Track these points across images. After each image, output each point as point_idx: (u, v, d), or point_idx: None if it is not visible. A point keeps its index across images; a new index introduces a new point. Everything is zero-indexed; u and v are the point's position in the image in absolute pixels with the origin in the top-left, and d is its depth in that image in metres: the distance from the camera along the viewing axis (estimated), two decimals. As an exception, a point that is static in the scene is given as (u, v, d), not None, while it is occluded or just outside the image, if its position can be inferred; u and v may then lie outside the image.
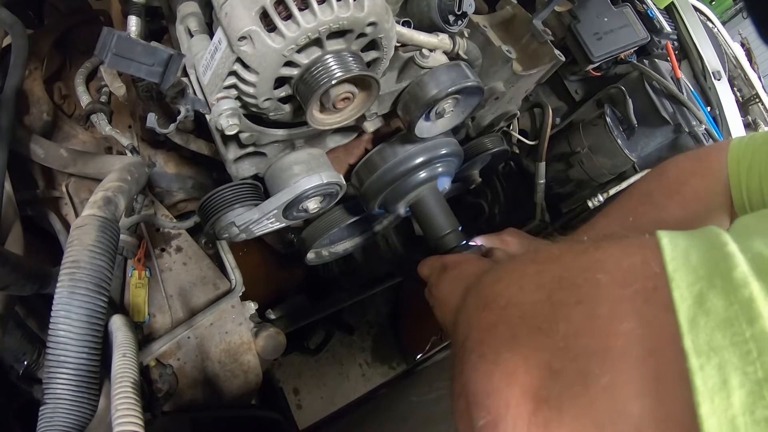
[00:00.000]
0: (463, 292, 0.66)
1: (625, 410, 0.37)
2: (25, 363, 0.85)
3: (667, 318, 0.37)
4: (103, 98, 1.24)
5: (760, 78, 1.87)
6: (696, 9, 1.73)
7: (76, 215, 1.16)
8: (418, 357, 2.59)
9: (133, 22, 0.90)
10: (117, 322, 0.88)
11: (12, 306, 0.90)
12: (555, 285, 0.47)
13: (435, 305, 0.90)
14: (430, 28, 0.97)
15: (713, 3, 5.63)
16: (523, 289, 0.50)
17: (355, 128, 1.10)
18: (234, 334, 1.26)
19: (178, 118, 0.85)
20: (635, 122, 1.47)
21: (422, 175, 1.12)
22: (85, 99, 1.23)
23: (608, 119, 1.49)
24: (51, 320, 0.70)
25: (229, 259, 1.33)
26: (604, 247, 0.47)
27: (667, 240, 0.41)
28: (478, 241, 1.06)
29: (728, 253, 0.38)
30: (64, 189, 1.18)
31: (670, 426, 0.35)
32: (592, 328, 0.41)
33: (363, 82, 0.84)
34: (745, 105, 1.74)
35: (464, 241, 1.08)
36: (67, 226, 1.14)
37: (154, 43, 0.78)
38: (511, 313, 0.49)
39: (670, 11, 1.65)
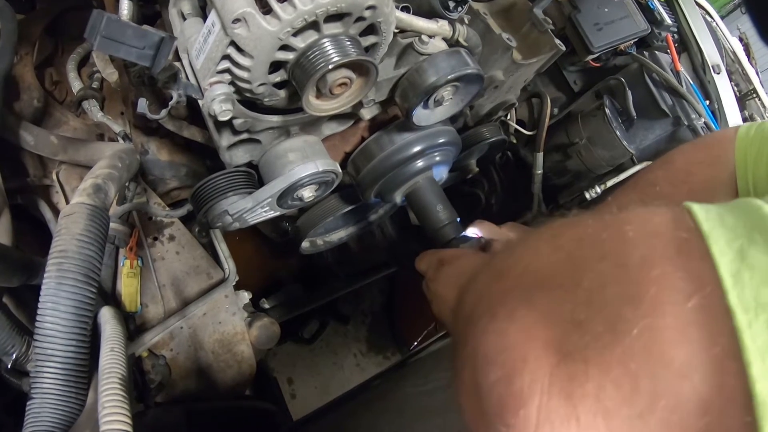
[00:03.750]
0: (459, 288, 0.64)
1: (664, 357, 0.34)
2: (14, 355, 0.83)
3: (703, 265, 0.35)
4: (95, 84, 1.22)
5: (757, 73, 1.87)
6: (696, 2, 1.71)
7: (67, 203, 1.14)
8: (413, 346, 2.60)
9: (125, 6, 0.87)
10: (106, 315, 0.87)
11: (0, 297, 0.88)
12: (574, 245, 0.44)
13: (432, 300, 0.88)
14: (430, 14, 0.95)
15: (711, -4, 5.62)
16: (539, 254, 0.47)
17: (351, 115, 1.09)
18: (227, 324, 1.25)
19: (170, 103, 0.83)
20: (634, 114, 1.46)
21: (419, 163, 1.10)
22: (76, 85, 1.20)
23: (607, 111, 1.48)
24: (38, 312, 0.69)
25: (222, 248, 1.31)
26: (629, 209, 0.44)
27: (697, 206, 0.39)
28: (476, 229, 1.04)
29: (766, 213, 0.36)
30: (54, 177, 1.16)
31: (717, 370, 0.33)
32: (621, 277, 0.38)
33: (361, 68, 0.82)
34: (742, 100, 1.73)
35: (462, 233, 1.07)
36: (57, 215, 1.12)
37: (145, 26, 0.76)
38: (527, 279, 0.46)
39: (671, 3, 1.63)
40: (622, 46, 1.52)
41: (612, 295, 0.38)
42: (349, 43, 0.78)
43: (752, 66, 1.88)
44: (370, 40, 0.84)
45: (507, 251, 0.54)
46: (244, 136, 0.95)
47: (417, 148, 1.08)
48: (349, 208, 1.25)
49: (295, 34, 0.75)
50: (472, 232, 1.06)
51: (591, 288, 0.39)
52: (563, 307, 0.40)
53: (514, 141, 1.64)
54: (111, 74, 1.20)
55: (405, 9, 0.92)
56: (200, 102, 0.84)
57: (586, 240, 0.44)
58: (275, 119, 0.94)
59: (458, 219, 1.11)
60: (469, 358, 0.47)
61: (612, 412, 0.36)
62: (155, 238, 1.23)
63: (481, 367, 0.44)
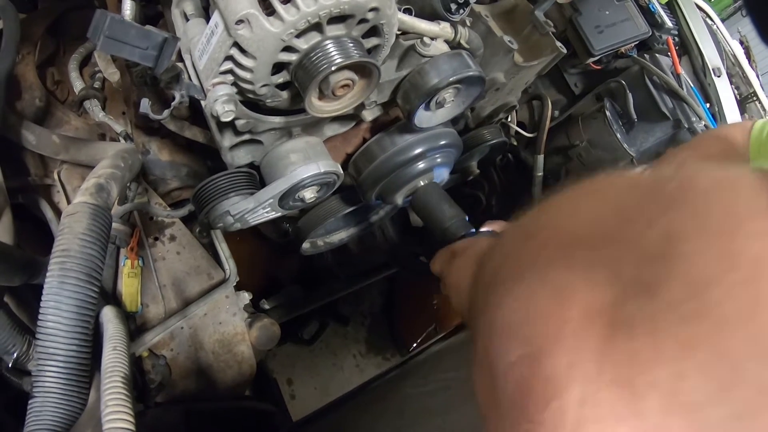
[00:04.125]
0: (476, 264, 0.54)
1: None
2: (15, 355, 0.83)
3: None
4: (97, 84, 1.21)
5: (758, 76, 1.87)
6: (696, 5, 1.72)
7: (68, 203, 1.14)
8: (412, 348, 2.60)
9: (128, 6, 0.88)
10: (108, 314, 0.87)
11: (1, 296, 0.88)
12: (626, 197, 0.35)
13: (450, 294, 0.79)
14: (432, 16, 0.95)
15: (712, 0, 5.62)
16: (577, 210, 0.38)
17: (353, 117, 1.09)
18: (228, 325, 1.25)
19: (173, 104, 0.83)
20: (635, 117, 1.46)
21: (421, 165, 1.10)
22: (78, 85, 1.20)
23: (608, 113, 1.49)
24: (40, 311, 0.69)
25: (223, 249, 1.32)
26: (692, 165, 0.34)
27: None
28: (487, 228, 1.01)
29: None
30: (55, 176, 1.16)
31: None
32: (702, 229, 0.28)
33: (363, 70, 0.82)
34: (742, 103, 1.74)
35: (472, 229, 1.04)
36: (59, 214, 1.12)
37: (148, 27, 0.76)
38: (564, 237, 0.36)
39: (672, 6, 1.64)
40: (622, 49, 1.52)
41: (692, 250, 0.28)
42: (351, 44, 0.79)
43: (752, 69, 1.88)
44: (373, 42, 0.85)
45: (535, 212, 0.43)
46: (246, 136, 0.96)
47: (418, 150, 1.08)
48: (350, 209, 1.25)
49: (298, 36, 0.75)
50: (483, 229, 1.02)
51: (658, 239, 0.29)
52: (617, 265, 0.30)
53: (515, 143, 1.65)
54: (113, 74, 1.20)
55: (407, 11, 0.93)
56: (203, 103, 0.84)
57: (642, 191, 0.34)
58: (277, 120, 0.94)
59: (467, 217, 1.09)
60: (483, 329, 0.37)
61: (696, 411, 0.26)
62: (156, 238, 1.23)
63: (498, 342, 0.34)
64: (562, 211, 0.40)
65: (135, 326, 1.14)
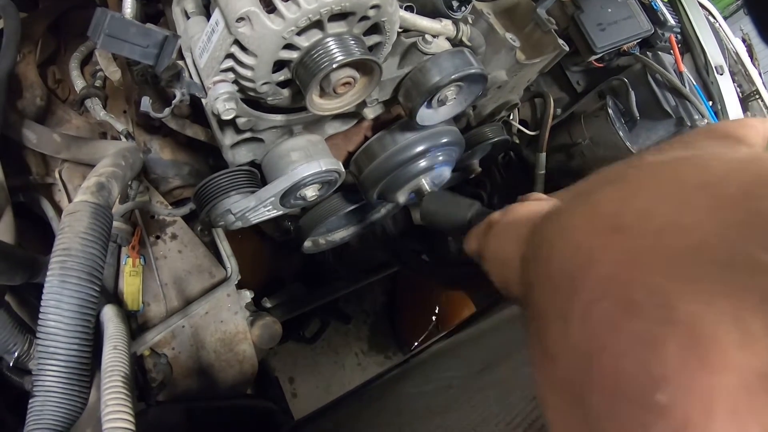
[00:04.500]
0: (528, 230, 0.45)
1: None
2: (16, 354, 0.83)
3: None
4: (98, 83, 1.22)
5: (760, 74, 1.86)
6: (699, 3, 1.71)
7: (70, 201, 1.14)
8: (414, 346, 2.60)
9: (128, 4, 0.87)
10: (108, 313, 0.87)
11: (2, 295, 0.88)
12: (756, 199, 0.25)
13: (490, 269, 0.66)
14: (433, 14, 0.95)
15: (714, -4, 5.60)
16: (689, 205, 0.28)
17: (354, 115, 1.08)
18: (229, 323, 1.25)
19: (173, 102, 0.83)
20: (637, 115, 1.46)
21: (422, 163, 1.10)
22: (79, 83, 1.20)
23: (610, 111, 1.48)
24: (41, 310, 0.68)
25: (224, 247, 1.32)
26: None
27: None
28: None
29: None
30: (57, 175, 1.16)
31: None
32: None
33: (365, 67, 0.82)
34: (745, 101, 1.73)
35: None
36: (60, 213, 1.12)
37: (149, 25, 0.76)
38: (675, 243, 0.26)
39: (674, 4, 1.63)
40: (625, 47, 1.51)
41: None
42: (353, 42, 0.78)
43: (755, 67, 1.88)
44: (374, 39, 0.84)
45: (613, 190, 0.33)
46: (247, 135, 0.95)
47: (420, 148, 1.08)
48: (352, 207, 1.24)
49: (299, 33, 0.74)
50: None
51: None
52: None
53: (517, 141, 1.64)
54: (114, 73, 1.20)
55: (409, 8, 0.92)
56: (203, 100, 0.83)
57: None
58: (278, 118, 0.94)
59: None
60: (570, 358, 0.29)
61: None
62: (157, 237, 1.23)
63: (612, 401, 0.26)
64: (662, 202, 0.29)
65: (136, 325, 1.14)
